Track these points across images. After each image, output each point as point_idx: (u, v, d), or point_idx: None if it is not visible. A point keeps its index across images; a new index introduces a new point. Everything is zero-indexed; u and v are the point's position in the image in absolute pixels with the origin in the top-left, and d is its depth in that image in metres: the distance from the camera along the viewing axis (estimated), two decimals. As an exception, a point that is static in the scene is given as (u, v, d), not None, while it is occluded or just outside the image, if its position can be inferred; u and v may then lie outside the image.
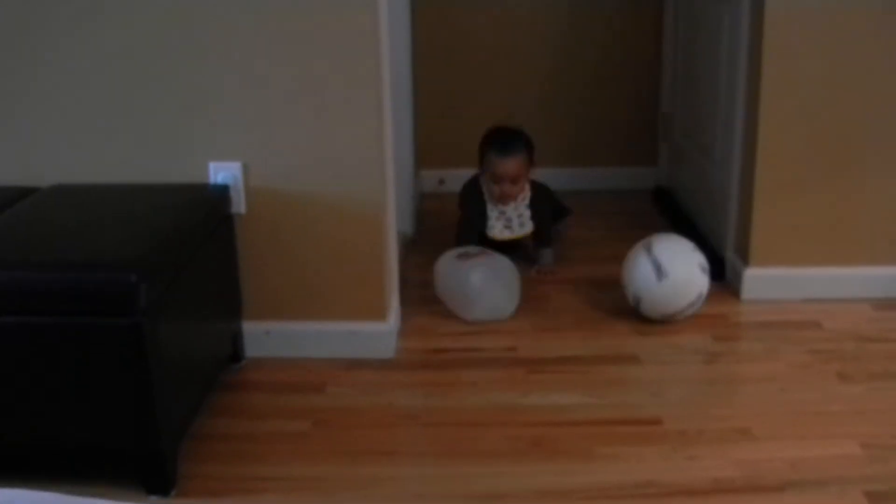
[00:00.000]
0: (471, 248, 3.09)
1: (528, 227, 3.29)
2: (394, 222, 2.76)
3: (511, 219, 3.26)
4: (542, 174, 3.43)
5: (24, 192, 2.43)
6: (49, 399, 1.99)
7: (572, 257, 3.41)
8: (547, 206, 3.35)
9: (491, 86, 4.17)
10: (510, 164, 3.19)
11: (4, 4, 2.44)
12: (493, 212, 3.26)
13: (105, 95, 2.49)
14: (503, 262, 3.00)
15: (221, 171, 2.52)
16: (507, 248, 3.22)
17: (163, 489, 2.05)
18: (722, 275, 3.19)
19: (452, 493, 2.08)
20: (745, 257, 3.04)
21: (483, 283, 2.92)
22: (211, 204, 2.45)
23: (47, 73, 2.48)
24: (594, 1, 4.11)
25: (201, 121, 2.50)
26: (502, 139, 3.26)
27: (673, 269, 2.79)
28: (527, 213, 3.27)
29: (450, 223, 3.36)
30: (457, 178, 3.52)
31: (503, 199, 3.23)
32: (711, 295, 2.98)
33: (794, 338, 2.77)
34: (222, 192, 2.50)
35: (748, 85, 2.97)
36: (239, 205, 2.54)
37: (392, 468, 2.19)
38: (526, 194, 3.28)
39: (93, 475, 2.09)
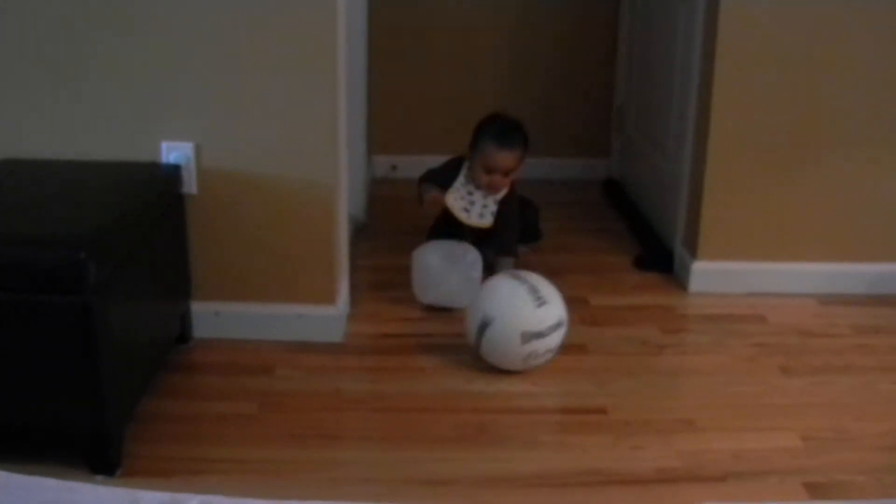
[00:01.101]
0: (451, 241, 3.01)
1: (487, 221, 3.09)
2: (345, 207, 2.76)
3: (474, 202, 3.10)
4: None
5: (-29, 166, 2.39)
6: (-7, 376, 1.97)
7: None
8: (515, 213, 3.17)
9: (446, 74, 4.17)
10: (507, 158, 3.04)
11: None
12: (461, 185, 3.10)
13: (59, 70, 2.46)
14: (470, 255, 2.92)
15: (174, 151, 2.50)
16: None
17: (108, 469, 2.04)
18: (670, 267, 3.22)
19: (398, 478, 2.08)
20: (693, 251, 3.08)
21: (439, 269, 2.90)
22: (162, 183, 2.43)
23: (-2, 46, 2.46)
24: (552, -8, 4.14)
25: (155, 100, 2.48)
26: (503, 130, 3.08)
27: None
28: (492, 208, 3.10)
29: (402, 209, 3.35)
30: (409, 164, 3.50)
31: (491, 189, 3.08)
32: (659, 287, 3.01)
33: (739, 331, 2.81)
34: (174, 171, 2.48)
35: (701, 81, 3.00)
36: (190, 185, 2.53)
37: (339, 452, 2.19)
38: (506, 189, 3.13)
39: (37, 454, 2.07)
